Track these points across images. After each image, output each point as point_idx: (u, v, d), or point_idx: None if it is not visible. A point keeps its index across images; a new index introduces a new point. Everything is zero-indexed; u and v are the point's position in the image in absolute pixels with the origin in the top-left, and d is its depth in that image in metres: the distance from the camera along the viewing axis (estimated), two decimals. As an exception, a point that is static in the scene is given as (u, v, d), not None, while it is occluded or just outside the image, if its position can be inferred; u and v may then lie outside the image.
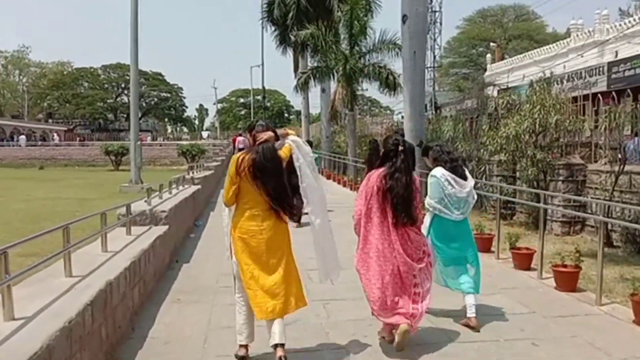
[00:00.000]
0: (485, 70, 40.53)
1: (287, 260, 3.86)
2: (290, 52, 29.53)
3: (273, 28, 27.49)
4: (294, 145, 3.94)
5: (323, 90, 27.61)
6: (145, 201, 6.62)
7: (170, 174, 14.48)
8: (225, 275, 5.27)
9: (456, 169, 4.67)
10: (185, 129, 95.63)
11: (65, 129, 72.30)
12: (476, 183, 6.00)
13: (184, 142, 45.05)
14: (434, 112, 37.99)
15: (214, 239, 8.58)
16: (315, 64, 22.15)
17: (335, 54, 19.79)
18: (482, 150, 12.33)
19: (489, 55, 40.68)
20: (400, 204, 3.95)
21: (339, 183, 19.21)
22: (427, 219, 4.65)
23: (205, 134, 79.02)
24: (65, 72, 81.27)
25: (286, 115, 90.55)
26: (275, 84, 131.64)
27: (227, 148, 35.16)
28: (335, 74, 19.84)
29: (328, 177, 20.43)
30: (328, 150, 23.18)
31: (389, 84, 20.31)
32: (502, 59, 38.60)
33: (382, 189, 3.98)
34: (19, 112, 77.79)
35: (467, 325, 4.58)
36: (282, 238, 3.88)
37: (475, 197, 4.83)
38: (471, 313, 4.60)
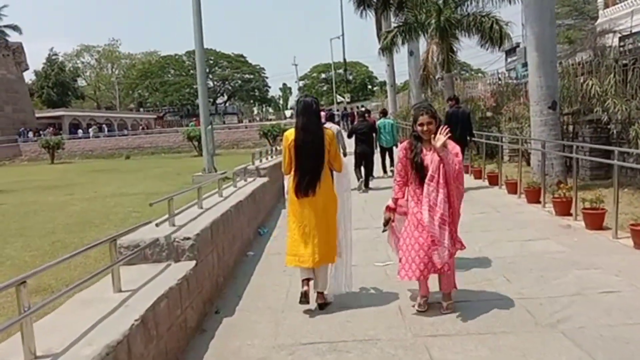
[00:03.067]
0: (594, 19, 34.91)
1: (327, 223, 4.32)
2: (371, 14, 26.46)
3: (351, -14, 24.45)
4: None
5: (411, 53, 24.29)
6: (157, 225, 4.21)
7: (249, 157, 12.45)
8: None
9: None
10: (270, 110, 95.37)
11: (155, 116, 74.07)
12: None
13: (266, 123, 43.42)
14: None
15: (281, 258, 6.10)
16: (401, 22, 18.89)
17: (424, 4, 16.48)
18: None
19: (600, 0, 34.84)
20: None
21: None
22: None
23: (288, 112, 77.62)
24: (152, 62, 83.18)
25: (369, 87, 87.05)
26: (357, 55, 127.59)
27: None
28: (427, 29, 16.54)
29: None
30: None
31: (493, 36, 16.67)
32: (616, 3, 32.76)
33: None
34: (112, 103, 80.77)
35: None
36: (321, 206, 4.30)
37: None
38: None
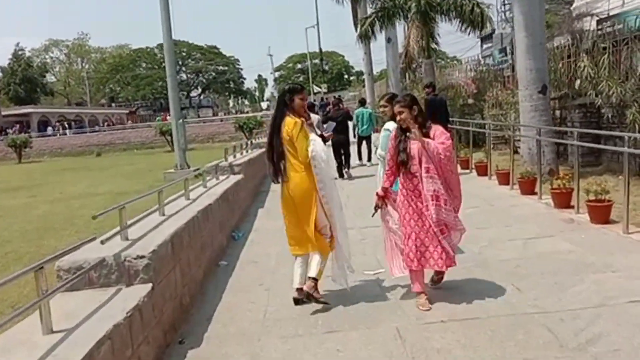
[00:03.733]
0: (569, 3, 34.74)
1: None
2: (347, 1, 25.83)
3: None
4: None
5: (389, 40, 23.63)
6: (103, 242, 3.47)
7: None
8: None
9: None
10: (246, 102, 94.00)
11: (127, 111, 72.17)
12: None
13: (242, 116, 42.41)
14: (512, 54, 33.11)
15: (258, 267, 5.41)
16: (379, 8, 18.20)
17: (403, -13, 15.84)
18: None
19: (575, -17, 34.65)
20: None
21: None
22: (380, 169, 5.00)
23: (264, 104, 76.55)
24: (123, 55, 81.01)
25: (346, 77, 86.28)
26: (333, 44, 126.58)
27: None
28: (407, 13, 15.88)
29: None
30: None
31: (474, 19, 16.17)
32: (591, -15, 32.57)
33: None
34: (82, 99, 78.50)
35: None
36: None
37: None
38: None
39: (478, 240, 5.50)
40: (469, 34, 17.64)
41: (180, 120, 16.78)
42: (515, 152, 14.37)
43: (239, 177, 8.22)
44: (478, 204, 7.31)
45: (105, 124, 54.67)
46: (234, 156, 9.68)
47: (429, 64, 15.98)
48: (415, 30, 15.66)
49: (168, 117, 48.26)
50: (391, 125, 4.65)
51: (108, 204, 12.12)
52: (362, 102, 13.99)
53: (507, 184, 8.74)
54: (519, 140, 14.44)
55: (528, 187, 7.85)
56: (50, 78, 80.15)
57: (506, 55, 35.92)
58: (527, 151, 9.81)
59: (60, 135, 45.55)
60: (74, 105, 72.73)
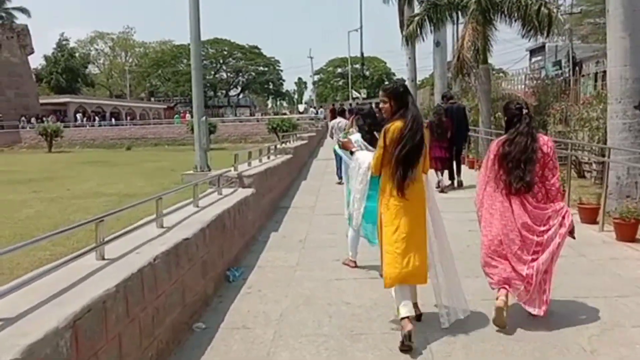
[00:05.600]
0: None
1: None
2: (394, 1, 24.08)
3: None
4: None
5: (437, 44, 21.65)
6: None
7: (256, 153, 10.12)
8: None
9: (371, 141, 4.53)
10: (284, 104, 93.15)
11: (165, 106, 72.05)
12: None
13: (276, 117, 41.03)
14: (571, 69, 30.58)
15: (247, 343, 3.65)
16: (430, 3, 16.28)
17: (460, -17, 13.90)
18: None
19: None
20: (514, 169, 3.71)
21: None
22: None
23: (301, 107, 75.15)
24: (165, 50, 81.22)
25: (386, 83, 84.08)
26: (375, 50, 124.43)
27: (319, 122, 30.92)
28: (465, 10, 13.94)
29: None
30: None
31: (540, 22, 14.08)
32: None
33: (497, 156, 3.81)
34: (122, 92, 78.93)
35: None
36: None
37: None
38: None
39: (587, 321, 3.65)
40: (529, 39, 15.63)
41: (203, 118, 15.26)
42: (581, 176, 12.32)
43: (249, 191, 6.51)
44: (564, 252, 5.38)
45: (129, 117, 54.18)
46: (249, 163, 7.96)
47: (486, 69, 13.98)
48: (471, 32, 13.69)
49: (187, 116, 47.41)
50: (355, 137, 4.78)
51: (110, 207, 10.71)
52: None
53: (593, 222, 6.75)
54: (588, 163, 12.35)
55: (629, 231, 5.86)
56: (94, 70, 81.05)
57: (561, 68, 33.43)
58: (614, 180, 7.76)
59: (89, 126, 45.13)
60: (114, 97, 73.02)
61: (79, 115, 49.32)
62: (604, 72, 16.52)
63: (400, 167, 3.46)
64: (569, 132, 12.56)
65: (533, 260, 3.65)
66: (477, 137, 14.10)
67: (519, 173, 3.68)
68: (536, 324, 3.68)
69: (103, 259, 3.05)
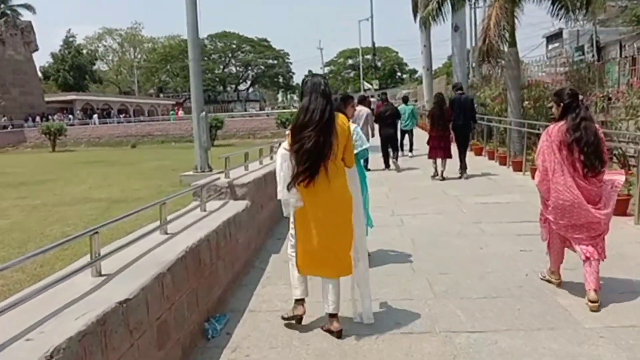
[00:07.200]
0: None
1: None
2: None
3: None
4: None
5: (456, 29, 20.17)
6: None
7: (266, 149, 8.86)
8: None
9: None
10: (295, 97, 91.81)
11: (174, 102, 70.94)
12: None
13: (285, 111, 39.65)
14: (595, 54, 28.74)
15: None
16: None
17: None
18: None
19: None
20: (592, 152, 3.80)
21: (478, 154, 13.93)
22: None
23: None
24: (173, 45, 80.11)
25: (399, 74, 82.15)
26: (386, 40, 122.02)
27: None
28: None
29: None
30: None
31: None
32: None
33: (565, 143, 3.83)
34: (130, 88, 78.01)
35: None
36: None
37: None
38: None
39: None
40: (560, 19, 14.04)
41: (202, 114, 13.93)
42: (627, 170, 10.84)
43: (242, 205, 5.16)
44: None
45: (124, 115, 53.12)
46: (246, 167, 6.60)
47: (515, 53, 12.46)
48: (499, 11, 12.17)
49: (180, 112, 45.98)
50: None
51: (96, 215, 9.53)
52: (405, 100, 15.12)
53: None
54: (634, 156, 10.88)
55: None
56: (102, 66, 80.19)
57: (583, 54, 31.57)
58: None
59: (94, 124, 44.12)
60: (123, 94, 72.09)
61: (75, 114, 48.36)
62: (633, 57, 14.96)
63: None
64: (612, 122, 11.05)
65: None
66: (495, 127, 12.97)
67: (599, 155, 3.79)
68: None
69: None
